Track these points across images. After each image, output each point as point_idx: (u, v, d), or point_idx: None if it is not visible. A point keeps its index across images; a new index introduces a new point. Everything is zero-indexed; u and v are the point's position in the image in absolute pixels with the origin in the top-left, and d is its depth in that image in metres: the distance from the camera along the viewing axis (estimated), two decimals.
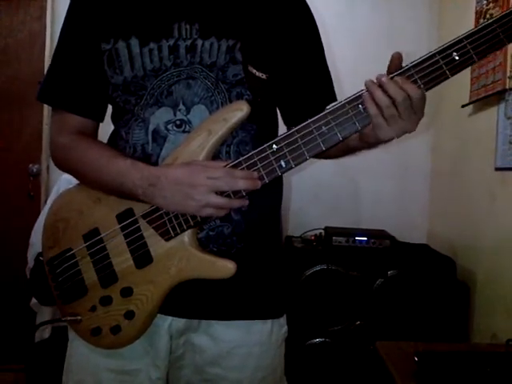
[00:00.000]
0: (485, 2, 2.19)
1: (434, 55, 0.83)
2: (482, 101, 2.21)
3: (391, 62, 0.85)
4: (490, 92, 2.09)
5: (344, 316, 2.31)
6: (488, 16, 2.16)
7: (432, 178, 2.93)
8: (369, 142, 0.91)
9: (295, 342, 2.25)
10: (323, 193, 2.90)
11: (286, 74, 1.05)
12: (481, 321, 2.21)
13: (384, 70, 0.86)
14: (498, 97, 2.06)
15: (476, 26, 0.83)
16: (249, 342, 1.04)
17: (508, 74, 1.97)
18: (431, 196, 2.93)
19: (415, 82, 0.83)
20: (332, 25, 2.43)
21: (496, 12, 2.08)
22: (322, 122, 0.87)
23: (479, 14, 2.24)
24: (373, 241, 2.42)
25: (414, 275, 2.29)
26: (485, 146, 2.18)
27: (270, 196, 1.06)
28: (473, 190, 2.35)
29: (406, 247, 2.59)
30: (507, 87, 1.97)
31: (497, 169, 2.07)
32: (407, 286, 2.28)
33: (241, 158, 0.89)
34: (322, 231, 2.62)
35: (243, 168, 0.89)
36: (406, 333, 2.23)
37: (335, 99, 1.11)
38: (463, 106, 2.35)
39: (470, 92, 2.30)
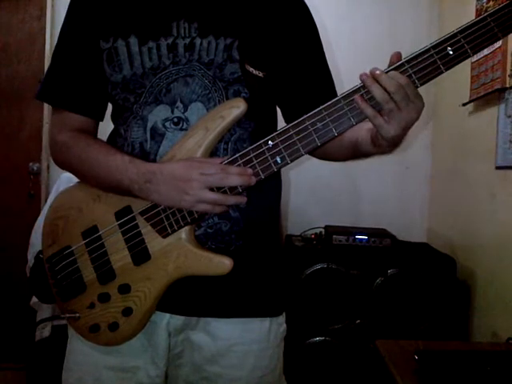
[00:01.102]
0: (485, 0, 2.19)
1: (428, 50, 0.83)
2: (483, 99, 2.20)
3: (390, 61, 0.84)
4: (490, 90, 2.09)
5: (344, 314, 2.31)
6: None
7: (432, 176, 2.92)
8: (380, 145, 0.90)
9: (295, 341, 2.26)
10: (323, 191, 2.90)
11: (285, 72, 1.05)
12: (481, 319, 2.21)
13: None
14: (498, 95, 2.06)
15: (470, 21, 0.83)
16: (247, 339, 1.04)
17: (508, 73, 1.96)
18: (431, 195, 2.92)
19: (409, 77, 0.83)
20: (332, 25, 2.43)
21: None
22: (317, 117, 0.87)
23: (479, 12, 2.24)
24: (373, 239, 2.41)
25: (415, 274, 2.29)
26: (485, 145, 2.18)
27: (268, 194, 1.06)
28: (473, 189, 2.35)
29: (406, 246, 2.59)
30: (507, 86, 1.97)
31: (497, 167, 2.07)
32: (407, 285, 2.28)
33: (237, 155, 0.90)
34: (322, 230, 2.62)
35: (239, 164, 0.89)
36: (407, 331, 2.23)
37: (336, 95, 1.11)
38: (464, 105, 2.35)
39: (470, 90, 2.30)
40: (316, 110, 0.87)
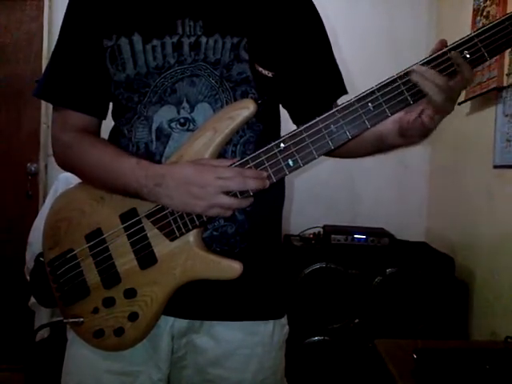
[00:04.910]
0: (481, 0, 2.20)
1: (445, 53, 0.83)
2: (481, 99, 2.21)
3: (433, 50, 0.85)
4: (485, 89, 2.09)
5: (343, 314, 2.31)
6: (485, 13, 2.16)
7: (430, 175, 2.93)
8: (411, 136, 0.93)
9: (294, 341, 2.24)
10: (322, 191, 2.90)
11: (294, 71, 1.04)
12: (480, 318, 2.21)
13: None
14: (496, 95, 2.06)
15: (486, 24, 0.83)
16: (251, 342, 1.03)
17: (506, 72, 1.97)
18: (430, 194, 2.93)
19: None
20: (330, 25, 2.42)
21: (493, 10, 2.09)
22: (331, 120, 0.86)
23: (476, 12, 2.25)
24: (371, 239, 2.42)
25: (413, 273, 2.29)
26: (483, 144, 2.18)
27: (273, 195, 1.06)
28: (471, 188, 2.35)
29: (404, 245, 2.59)
30: (505, 85, 1.98)
31: (495, 166, 2.08)
32: (406, 284, 2.28)
33: (248, 157, 0.88)
34: (321, 229, 2.62)
35: (250, 167, 0.88)
36: (405, 331, 2.24)
37: (345, 92, 1.10)
38: (459, 104, 2.35)
39: (466, 90, 2.31)
40: (330, 113, 0.86)
